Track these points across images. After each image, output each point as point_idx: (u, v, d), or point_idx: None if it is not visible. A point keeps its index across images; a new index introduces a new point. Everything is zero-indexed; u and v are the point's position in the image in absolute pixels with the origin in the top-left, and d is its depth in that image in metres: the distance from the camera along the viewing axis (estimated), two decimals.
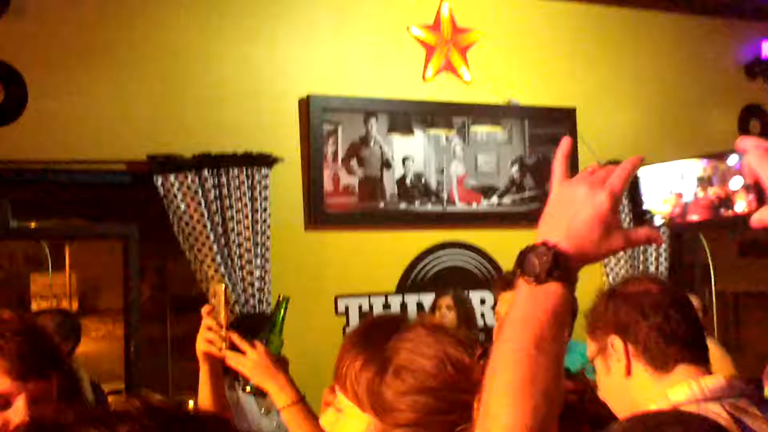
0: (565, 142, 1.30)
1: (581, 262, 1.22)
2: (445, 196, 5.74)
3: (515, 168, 5.93)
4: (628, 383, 2.05)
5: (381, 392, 1.61)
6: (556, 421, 1.20)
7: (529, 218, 5.92)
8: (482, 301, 5.82)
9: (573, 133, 6.02)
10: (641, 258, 6.12)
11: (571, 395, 1.52)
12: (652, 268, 6.12)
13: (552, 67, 6.14)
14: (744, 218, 1.13)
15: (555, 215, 1.24)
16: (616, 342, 2.06)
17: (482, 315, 5.80)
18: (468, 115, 5.83)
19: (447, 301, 5.12)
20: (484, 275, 5.84)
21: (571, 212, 1.22)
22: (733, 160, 1.13)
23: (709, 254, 6.80)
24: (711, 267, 6.83)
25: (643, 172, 1.21)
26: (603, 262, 6.01)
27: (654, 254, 6.15)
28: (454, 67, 5.86)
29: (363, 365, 1.64)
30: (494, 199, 5.87)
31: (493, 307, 5.58)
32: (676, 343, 2.02)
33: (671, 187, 1.19)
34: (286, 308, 2.58)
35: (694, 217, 1.18)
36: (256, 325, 4.48)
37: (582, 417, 1.54)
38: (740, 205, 1.12)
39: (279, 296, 2.61)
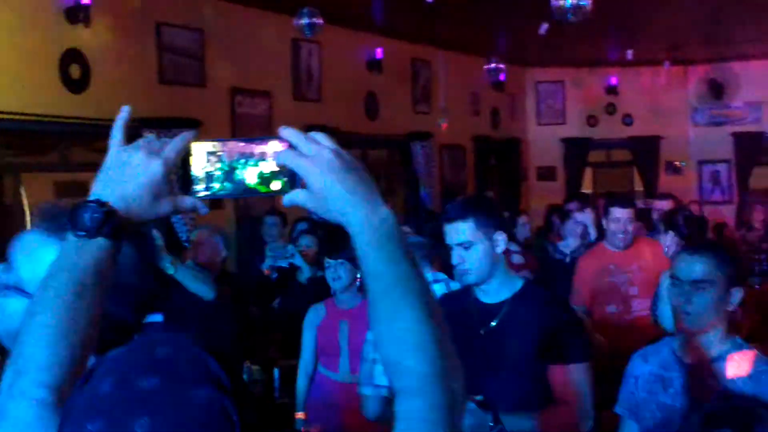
0: (125, 111, 1.39)
1: (129, 222, 1.34)
2: None
3: None
4: None
5: None
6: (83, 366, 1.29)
7: None
8: None
9: None
10: None
11: None
12: None
13: None
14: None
15: (111, 176, 1.34)
16: None
17: None
18: None
19: None
20: None
21: (127, 175, 1.33)
22: (273, 146, 1.32)
23: (25, 195, 6.86)
24: (27, 208, 6.87)
25: (195, 147, 1.33)
26: None
27: None
28: None
29: None
30: None
31: None
32: None
33: (217, 160, 1.33)
34: None
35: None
36: None
37: None
38: (276, 185, 1.32)
39: None
